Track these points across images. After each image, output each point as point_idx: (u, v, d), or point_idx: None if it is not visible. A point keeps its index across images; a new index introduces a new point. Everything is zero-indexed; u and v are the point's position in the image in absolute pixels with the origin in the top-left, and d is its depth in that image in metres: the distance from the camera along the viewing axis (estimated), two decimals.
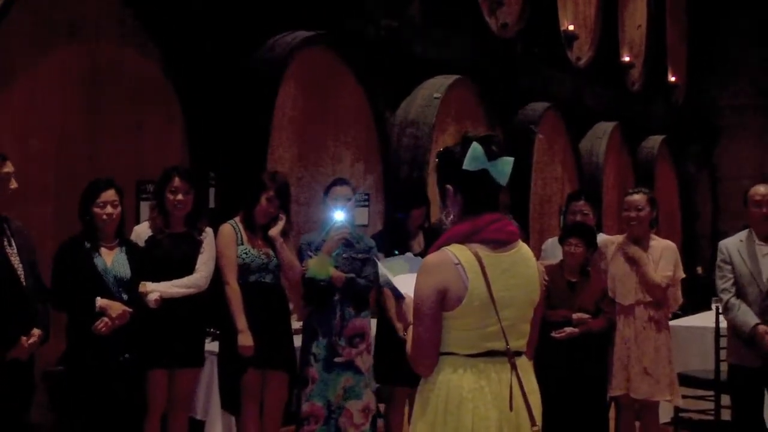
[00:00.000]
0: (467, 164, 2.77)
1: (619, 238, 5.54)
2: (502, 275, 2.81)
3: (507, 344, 2.82)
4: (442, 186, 2.90)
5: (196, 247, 4.79)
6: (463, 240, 2.81)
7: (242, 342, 4.80)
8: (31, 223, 4.59)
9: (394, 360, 5.30)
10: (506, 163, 2.81)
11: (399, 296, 3.02)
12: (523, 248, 2.91)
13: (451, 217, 2.88)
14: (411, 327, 2.89)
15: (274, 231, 4.93)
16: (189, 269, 4.75)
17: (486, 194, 2.84)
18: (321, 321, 5.03)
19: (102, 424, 4.41)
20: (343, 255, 5.12)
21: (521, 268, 2.87)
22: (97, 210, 4.47)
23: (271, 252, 4.97)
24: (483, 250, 2.80)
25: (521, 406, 2.82)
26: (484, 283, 2.77)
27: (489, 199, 2.84)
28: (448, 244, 2.82)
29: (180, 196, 4.75)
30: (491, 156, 2.78)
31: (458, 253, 2.79)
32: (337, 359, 4.99)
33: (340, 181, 5.29)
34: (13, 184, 4.17)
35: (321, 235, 5.11)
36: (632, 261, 5.31)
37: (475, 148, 2.77)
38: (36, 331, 4.15)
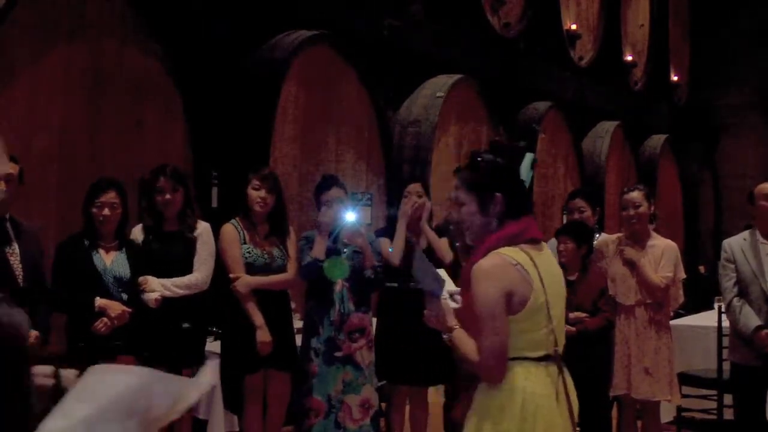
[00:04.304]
0: (524, 175, 2.85)
1: (618, 236, 5.53)
2: (546, 274, 2.83)
3: (556, 345, 2.84)
4: (488, 193, 2.84)
5: (190, 244, 4.78)
6: (511, 242, 2.81)
7: (261, 338, 4.81)
8: (33, 222, 4.58)
9: (396, 358, 5.31)
10: (533, 177, 2.95)
11: (435, 294, 2.91)
12: (546, 247, 2.96)
13: (494, 222, 2.85)
14: (452, 335, 2.83)
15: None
16: (186, 268, 4.74)
17: (527, 199, 2.92)
18: (321, 316, 5.02)
19: None
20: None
21: (554, 267, 2.93)
22: (94, 211, 4.48)
23: (273, 251, 4.97)
24: (530, 250, 2.82)
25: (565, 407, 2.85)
26: (540, 282, 2.79)
27: (528, 203, 2.92)
28: (497, 248, 2.80)
29: (167, 196, 4.74)
30: (533, 167, 2.92)
31: (513, 254, 2.78)
32: (336, 353, 4.98)
33: (333, 182, 5.22)
34: (1, 186, 4.17)
35: (330, 233, 5.03)
36: (630, 264, 5.31)
37: (529, 158, 2.86)
38: (33, 333, 4.14)
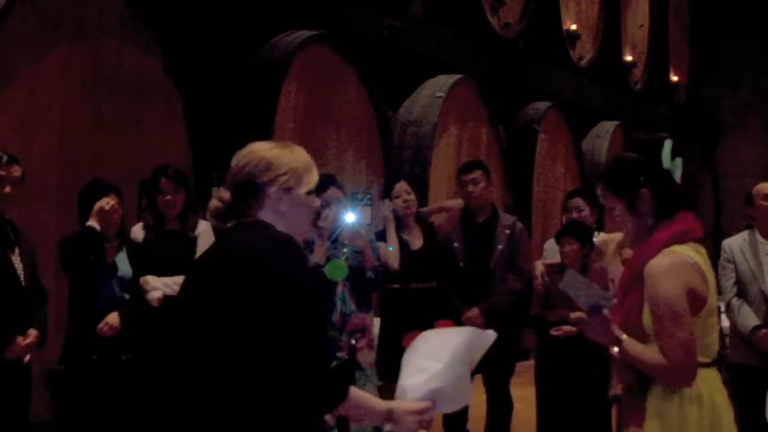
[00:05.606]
0: (667, 163, 2.75)
1: (618, 236, 5.52)
2: (710, 275, 2.75)
3: (720, 348, 2.78)
4: (633, 191, 2.77)
5: (191, 243, 4.77)
6: (681, 240, 2.72)
7: None
8: (33, 222, 4.58)
9: (397, 358, 5.29)
10: (680, 165, 2.80)
11: (598, 307, 2.75)
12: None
13: (649, 219, 2.77)
14: (624, 345, 2.70)
15: None
16: (187, 267, 4.71)
17: (679, 192, 2.80)
18: None
19: (102, 424, 4.40)
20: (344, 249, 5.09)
21: (710, 267, 2.83)
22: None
23: None
24: (699, 249, 2.74)
25: None
26: (713, 283, 2.72)
27: (683, 197, 2.78)
28: (668, 246, 2.70)
29: (168, 197, 4.73)
30: (674, 154, 2.79)
31: (690, 253, 2.69)
32: (338, 354, 4.97)
33: (330, 182, 5.19)
34: (7, 188, 4.17)
35: (331, 234, 5.03)
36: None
37: (668, 144, 2.77)
38: (32, 332, 4.15)
